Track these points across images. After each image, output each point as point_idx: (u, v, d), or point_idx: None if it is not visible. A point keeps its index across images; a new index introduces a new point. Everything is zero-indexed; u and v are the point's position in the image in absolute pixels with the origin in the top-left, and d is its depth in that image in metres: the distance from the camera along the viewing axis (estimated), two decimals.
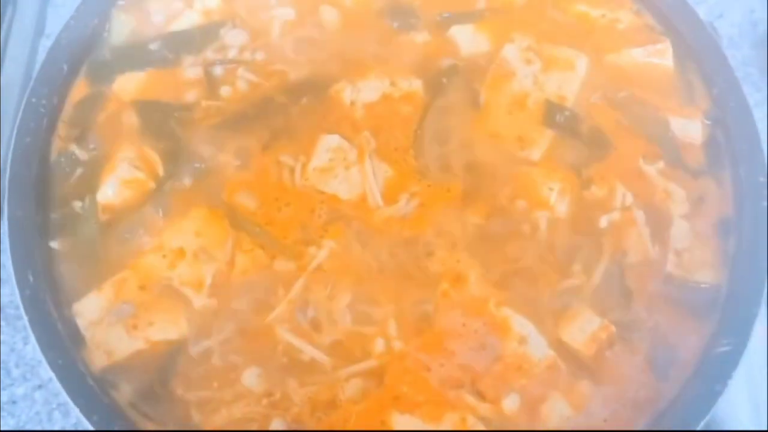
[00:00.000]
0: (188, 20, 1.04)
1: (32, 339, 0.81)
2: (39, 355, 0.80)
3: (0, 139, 1.09)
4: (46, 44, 1.24)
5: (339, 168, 0.92)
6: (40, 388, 1.01)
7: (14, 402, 1.00)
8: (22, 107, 0.93)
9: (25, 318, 0.82)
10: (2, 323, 1.04)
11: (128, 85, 1.00)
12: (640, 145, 0.95)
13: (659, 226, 0.91)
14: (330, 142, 0.94)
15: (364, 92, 0.99)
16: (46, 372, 0.80)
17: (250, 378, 0.82)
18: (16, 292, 0.83)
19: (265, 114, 0.98)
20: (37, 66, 0.96)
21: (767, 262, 0.86)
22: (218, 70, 1.01)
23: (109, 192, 0.92)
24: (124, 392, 0.82)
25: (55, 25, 1.25)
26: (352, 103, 0.98)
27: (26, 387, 1.01)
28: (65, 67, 0.97)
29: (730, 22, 1.31)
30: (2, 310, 1.05)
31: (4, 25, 1.26)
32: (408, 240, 0.89)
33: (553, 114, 0.96)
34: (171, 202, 0.92)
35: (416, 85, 0.99)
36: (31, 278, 0.84)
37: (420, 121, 0.97)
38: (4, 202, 0.88)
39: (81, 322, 0.85)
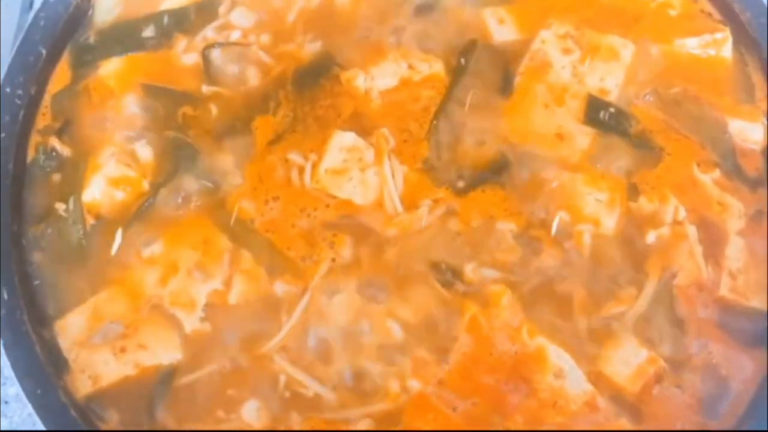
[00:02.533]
0: None
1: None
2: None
3: None
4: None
5: (354, 170, 0.82)
6: None
7: (6, 402, 0.92)
8: None
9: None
10: None
11: (115, 71, 0.89)
12: (694, 150, 0.85)
13: (713, 243, 0.80)
14: (344, 140, 0.83)
15: (379, 79, 0.88)
16: None
17: (250, 412, 0.73)
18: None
19: (271, 105, 0.88)
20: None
21: None
22: (217, 54, 0.89)
23: (96, 192, 0.83)
24: (111, 423, 0.74)
25: None
26: (367, 93, 0.88)
27: (18, 387, 0.92)
28: (43, 50, 0.87)
29: None
30: None
31: None
32: (431, 254, 0.80)
33: (595, 110, 0.85)
34: (165, 208, 0.83)
35: (437, 67, 0.89)
36: (5, 295, 0.76)
37: (438, 112, 0.86)
38: None
39: (63, 343, 0.78)
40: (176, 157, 0.85)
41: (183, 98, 0.88)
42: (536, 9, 0.93)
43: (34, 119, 0.87)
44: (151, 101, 0.88)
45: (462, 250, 0.80)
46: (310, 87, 0.88)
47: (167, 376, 0.75)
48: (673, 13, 0.93)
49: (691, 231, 0.80)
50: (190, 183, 0.84)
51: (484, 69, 0.89)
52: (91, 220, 0.82)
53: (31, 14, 0.88)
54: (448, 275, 0.79)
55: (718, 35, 0.90)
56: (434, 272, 0.79)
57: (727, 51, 0.89)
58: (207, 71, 0.90)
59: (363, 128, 0.86)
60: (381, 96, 0.88)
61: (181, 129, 0.87)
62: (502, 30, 0.92)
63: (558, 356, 0.75)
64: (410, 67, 0.89)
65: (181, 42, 0.91)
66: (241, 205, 0.82)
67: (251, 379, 0.74)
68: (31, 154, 0.85)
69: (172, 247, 0.80)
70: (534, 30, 0.91)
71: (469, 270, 0.79)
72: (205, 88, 0.89)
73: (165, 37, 0.91)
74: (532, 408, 0.73)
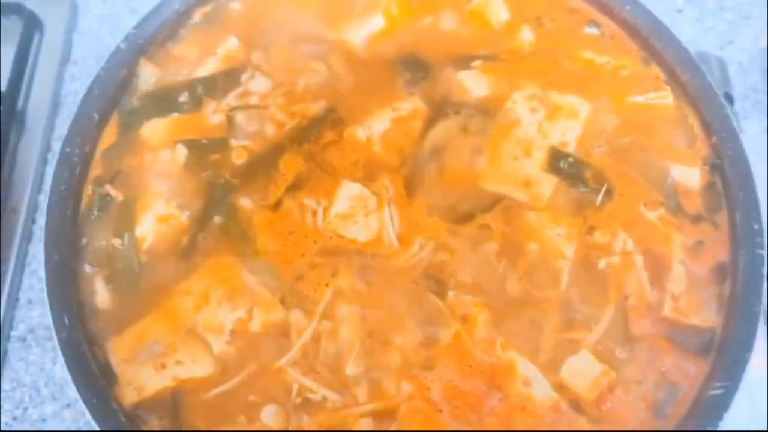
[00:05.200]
0: (211, 66, 1.10)
1: (66, 372, 0.87)
2: (67, 376, 0.86)
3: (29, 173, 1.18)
4: (72, 71, 1.34)
5: (359, 215, 0.97)
6: (68, 407, 1.08)
7: (44, 420, 1.07)
8: (57, 158, 0.99)
9: (62, 359, 0.88)
10: (32, 344, 1.12)
11: (156, 130, 1.06)
12: (642, 191, 0.99)
13: (658, 270, 0.95)
14: (352, 190, 0.99)
15: (375, 126, 1.04)
16: (74, 392, 0.86)
17: (268, 416, 0.88)
18: (49, 317, 0.89)
19: (285, 157, 1.04)
20: (66, 107, 1.02)
21: (760, 308, 0.90)
22: (240, 117, 1.06)
23: (147, 227, 0.98)
24: (153, 425, 0.88)
25: (80, 51, 1.35)
26: (369, 140, 1.03)
27: (55, 406, 1.09)
28: (96, 116, 1.03)
29: (740, 47, 1.34)
30: (33, 331, 1.13)
31: (32, 51, 1.33)
32: (421, 281, 0.94)
33: (557, 160, 1.00)
34: (201, 245, 0.98)
35: (417, 102, 1.05)
36: (66, 321, 0.91)
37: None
38: (39, 246, 0.95)
39: (114, 360, 0.91)
40: (210, 195, 1.01)
41: (213, 147, 1.04)
42: (508, 71, 1.08)
43: (88, 172, 1.03)
44: (187, 152, 1.03)
45: (447, 278, 0.94)
46: (317, 139, 1.04)
47: (201, 386, 0.89)
48: (624, 73, 1.08)
49: (638, 260, 0.95)
50: (221, 222, 0.99)
51: (465, 124, 1.05)
52: (142, 253, 0.97)
53: (78, 65, 1.05)
54: (435, 300, 0.93)
55: (662, 93, 1.06)
56: (424, 298, 0.93)
57: (670, 107, 1.05)
58: (231, 130, 1.06)
59: (368, 173, 1.01)
60: (381, 139, 1.03)
61: (216, 176, 1.02)
62: (478, 89, 1.07)
63: (526, 368, 0.88)
64: (394, 109, 1.04)
65: (210, 106, 1.08)
66: (262, 244, 0.97)
67: (269, 388, 0.88)
68: (85, 201, 1.01)
69: (204, 281, 0.95)
70: (507, 89, 1.06)
71: (454, 294, 0.93)
72: (234, 142, 1.04)
73: (197, 101, 1.07)
74: (504, 410, 0.87)
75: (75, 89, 1.32)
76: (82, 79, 1.33)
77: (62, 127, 1.15)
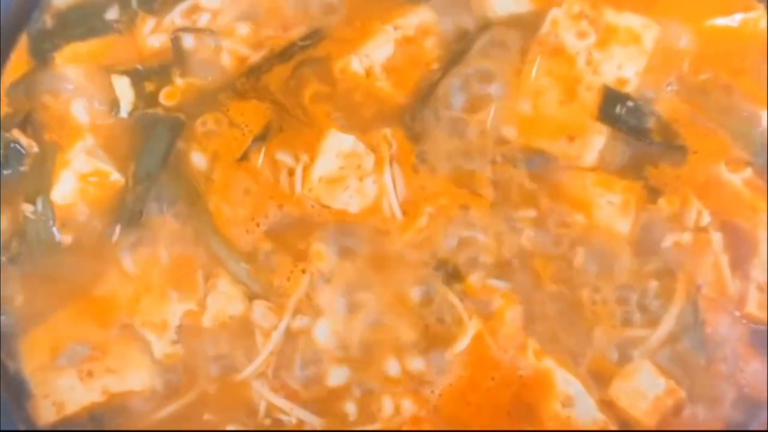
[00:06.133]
0: None
1: None
2: None
3: None
4: None
5: (351, 178, 0.74)
6: None
7: None
8: None
9: None
10: None
11: (76, 56, 0.81)
12: (723, 146, 0.76)
13: (741, 252, 0.73)
14: (342, 145, 0.75)
15: (375, 54, 0.80)
16: None
17: None
18: None
19: (251, 96, 0.79)
20: None
21: None
22: (189, 40, 0.81)
23: (66, 189, 0.76)
24: None
25: None
26: (369, 73, 0.79)
27: None
28: None
29: None
30: None
31: None
32: (430, 265, 0.72)
33: (612, 105, 0.77)
34: (138, 211, 0.75)
35: (425, 15, 0.81)
36: None
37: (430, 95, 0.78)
38: None
39: (25, 366, 0.71)
40: (152, 154, 0.77)
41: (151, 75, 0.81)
42: None
43: None
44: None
45: (463, 261, 0.72)
46: (294, 76, 0.80)
47: (138, 403, 0.69)
48: None
49: (716, 238, 0.73)
50: (168, 182, 0.76)
51: (490, 51, 0.80)
52: (59, 222, 0.75)
53: None
54: (449, 288, 0.71)
55: (752, 14, 0.80)
56: (438, 273, 0.72)
57: (763, 32, 0.79)
58: (177, 58, 0.81)
59: (359, 124, 0.77)
60: (384, 68, 0.79)
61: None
62: (507, 2, 0.81)
63: (566, 382, 0.68)
64: (396, 27, 0.80)
65: (147, 23, 0.82)
66: (222, 212, 0.74)
67: (229, 406, 0.69)
68: None
69: (146, 261, 0.73)
70: (544, 4, 0.81)
71: (472, 282, 0.72)
72: (179, 79, 0.80)
73: (129, 18, 0.82)
74: None
75: None
76: None
77: None
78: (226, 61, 0.80)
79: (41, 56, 0.82)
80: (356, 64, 0.79)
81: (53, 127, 0.79)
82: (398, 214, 0.74)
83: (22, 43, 0.82)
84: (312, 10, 0.82)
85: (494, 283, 0.72)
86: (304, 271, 0.72)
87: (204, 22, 0.81)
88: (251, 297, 0.71)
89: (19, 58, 0.82)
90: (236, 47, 0.81)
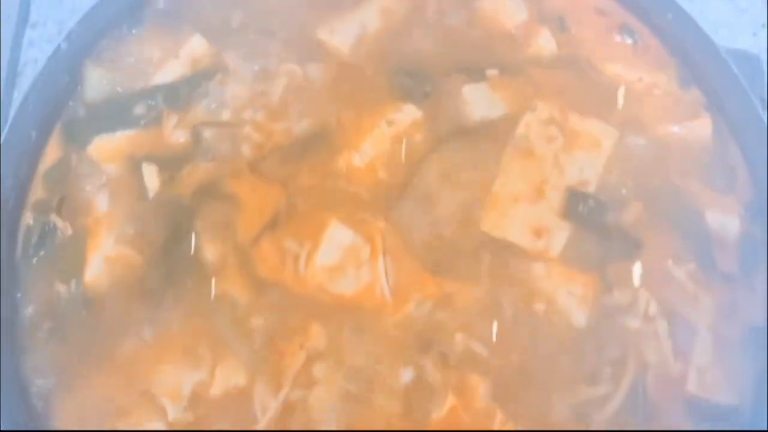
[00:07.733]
0: (173, 72, 0.93)
1: None
2: None
3: None
4: (31, 35, 1.22)
5: (350, 267, 0.84)
6: None
7: None
8: None
9: None
10: None
11: (107, 146, 0.90)
12: (670, 243, 0.86)
13: (683, 337, 0.83)
14: (342, 238, 0.84)
15: (372, 149, 0.89)
16: None
17: None
18: None
19: (261, 183, 0.88)
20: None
21: None
22: (208, 134, 0.90)
23: (95, 271, 0.84)
24: None
25: (40, 14, 1.22)
26: (369, 168, 0.89)
27: None
28: (33, 134, 0.87)
29: None
30: None
31: None
32: (414, 344, 0.82)
33: (575, 204, 0.86)
34: (158, 288, 0.84)
35: (413, 111, 0.90)
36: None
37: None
38: None
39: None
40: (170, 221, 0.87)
41: (175, 162, 0.89)
42: (520, 86, 0.92)
43: (26, 198, 0.88)
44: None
45: (442, 341, 0.82)
46: (299, 165, 0.89)
47: None
48: (657, 93, 0.93)
49: (662, 326, 0.83)
50: (180, 261, 0.85)
51: (469, 150, 0.90)
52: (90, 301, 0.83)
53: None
54: (429, 365, 0.81)
55: (698, 122, 0.90)
56: (423, 351, 0.81)
57: (708, 139, 0.90)
58: (197, 147, 0.90)
59: (357, 206, 0.86)
60: (381, 164, 0.88)
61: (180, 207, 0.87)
62: (484, 108, 0.91)
63: None
64: (389, 123, 0.89)
65: (171, 118, 0.91)
66: (231, 293, 0.83)
67: None
68: (23, 232, 0.87)
69: (164, 332, 0.82)
70: (518, 109, 0.91)
71: (459, 340, 0.81)
72: (203, 166, 0.89)
73: (155, 112, 0.91)
74: None
75: (35, 57, 1.20)
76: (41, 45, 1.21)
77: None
78: (245, 150, 0.89)
79: (74, 144, 0.90)
80: (357, 159, 0.88)
81: (85, 211, 0.87)
82: (388, 297, 0.83)
83: (57, 131, 0.91)
84: (319, 104, 0.92)
85: (466, 363, 0.80)
86: (301, 347, 0.82)
87: (226, 117, 0.90)
88: (253, 372, 0.80)
89: (54, 145, 0.91)
90: (252, 136, 0.89)
